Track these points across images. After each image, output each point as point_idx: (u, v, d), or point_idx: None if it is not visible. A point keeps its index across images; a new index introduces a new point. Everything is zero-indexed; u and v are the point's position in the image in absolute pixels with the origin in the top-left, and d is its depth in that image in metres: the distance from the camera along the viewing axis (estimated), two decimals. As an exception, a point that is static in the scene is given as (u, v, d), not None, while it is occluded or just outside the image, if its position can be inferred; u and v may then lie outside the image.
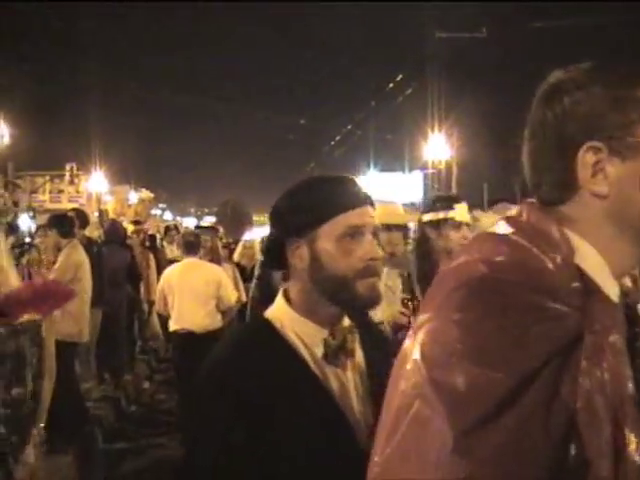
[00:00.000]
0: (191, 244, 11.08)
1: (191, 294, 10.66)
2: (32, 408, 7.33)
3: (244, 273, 13.77)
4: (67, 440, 9.24)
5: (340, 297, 2.56)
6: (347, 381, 2.62)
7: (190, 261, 10.93)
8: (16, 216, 10.55)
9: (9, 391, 6.91)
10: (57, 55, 40.67)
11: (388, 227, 5.92)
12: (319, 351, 2.58)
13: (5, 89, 32.46)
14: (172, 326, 10.74)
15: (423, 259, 5.13)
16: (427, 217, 5.17)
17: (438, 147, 36.33)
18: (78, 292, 9.83)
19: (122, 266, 12.95)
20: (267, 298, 10.33)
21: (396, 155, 49.36)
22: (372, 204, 2.74)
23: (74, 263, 9.95)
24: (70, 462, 8.83)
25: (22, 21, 37.32)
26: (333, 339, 2.58)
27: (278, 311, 2.70)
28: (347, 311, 2.66)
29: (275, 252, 2.69)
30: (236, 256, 14.79)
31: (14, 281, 7.22)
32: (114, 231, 13.66)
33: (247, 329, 2.84)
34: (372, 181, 50.74)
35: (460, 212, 5.48)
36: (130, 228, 15.85)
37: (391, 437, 1.61)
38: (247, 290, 12.47)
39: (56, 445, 8.90)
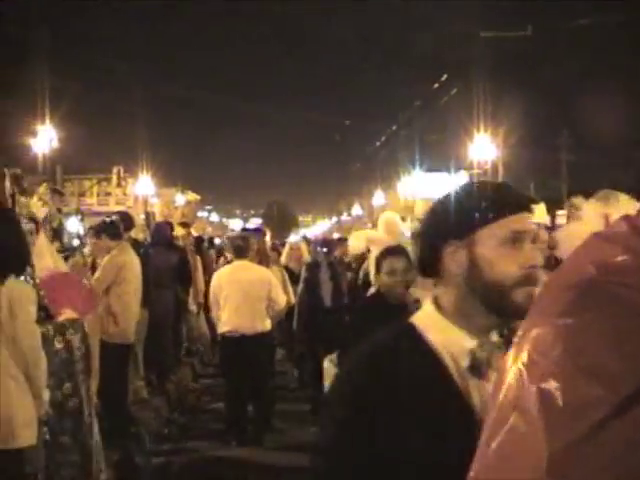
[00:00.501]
0: (240, 248, 11.16)
1: (242, 296, 10.72)
2: (77, 404, 7.44)
3: (292, 275, 13.72)
4: (113, 441, 9.34)
5: (495, 305, 2.47)
6: (488, 396, 2.51)
7: (240, 263, 11.00)
8: (61, 223, 10.60)
9: (60, 387, 7.03)
10: (104, 59, 40.96)
11: None
12: (464, 361, 2.47)
13: (54, 93, 32.73)
14: (221, 328, 10.80)
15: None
16: None
17: (483, 147, 36.11)
18: (121, 293, 9.94)
19: (168, 268, 13.00)
20: (315, 301, 10.39)
21: (441, 155, 49.13)
22: (532, 211, 2.62)
23: (117, 264, 10.03)
24: (116, 463, 8.90)
25: (70, 26, 37.67)
26: (481, 350, 2.47)
27: (425, 317, 2.59)
28: (500, 323, 2.53)
29: (429, 257, 2.58)
30: (283, 258, 14.83)
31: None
32: (161, 233, 13.71)
33: (390, 332, 2.77)
34: (417, 182, 50.64)
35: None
36: (179, 231, 15.92)
37: (483, 453, 1.53)
38: (295, 293, 12.56)
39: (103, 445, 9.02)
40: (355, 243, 8.75)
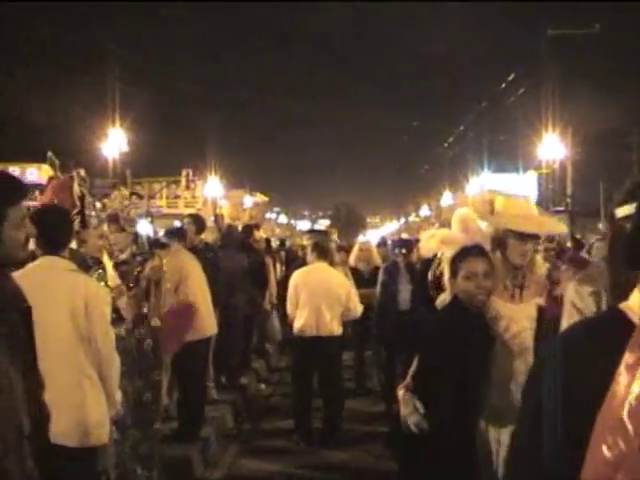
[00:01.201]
0: (324, 250, 11.30)
1: (322, 297, 10.81)
2: (152, 398, 7.58)
3: (361, 277, 13.32)
4: (185, 438, 9.46)
5: None
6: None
7: (320, 265, 11.08)
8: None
9: (133, 382, 7.18)
10: (173, 63, 41.36)
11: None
12: None
13: (124, 98, 33.13)
14: (298, 327, 10.86)
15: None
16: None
17: (552, 146, 35.79)
18: (188, 292, 10.05)
19: (239, 270, 13.08)
20: (393, 306, 10.05)
21: (510, 156, 48.82)
22: None
23: (175, 266, 10.13)
24: (188, 460, 9.01)
25: (139, 32, 38.08)
26: None
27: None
28: None
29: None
30: (352, 259, 14.27)
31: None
32: (231, 236, 13.83)
33: (599, 319, 2.56)
34: (486, 182, 50.31)
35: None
36: (257, 234, 16.01)
37: (597, 458, 1.48)
38: (365, 296, 12.10)
39: (174, 442, 9.14)
40: (427, 244, 8.17)
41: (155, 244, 9.82)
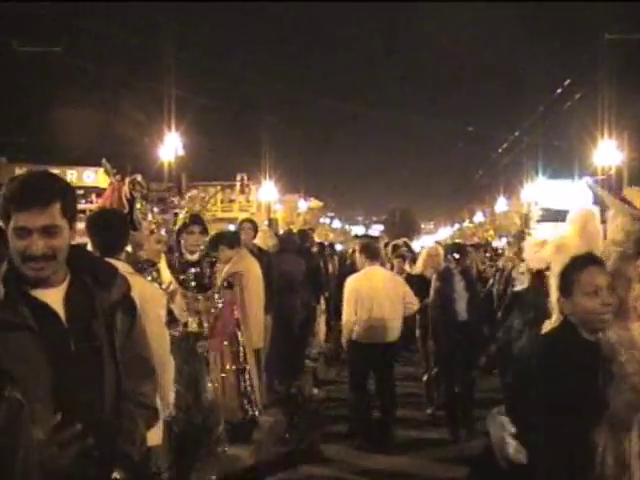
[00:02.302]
0: (375, 252, 11.30)
1: (381, 302, 10.86)
2: (208, 411, 7.64)
3: (428, 285, 12.16)
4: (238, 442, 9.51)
5: None
6: None
7: (373, 268, 11.09)
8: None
9: (189, 388, 7.25)
10: (228, 68, 41.58)
11: None
12: None
13: (180, 103, 33.39)
14: (356, 333, 10.85)
15: None
16: None
17: (608, 153, 35.49)
18: (245, 300, 10.11)
19: (298, 274, 13.09)
20: (449, 316, 9.58)
21: (565, 162, 48.43)
22: None
23: (237, 271, 10.18)
24: (244, 465, 9.07)
25: (197, 37, 38.35)
26: None
27: None
28: None
29: None
30: (419, 265, 13.31)
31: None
32: (289, 240, 13.87)
33: None
34: (541, 188, 49.97)
35: None
36: (313, 238, 16.07)
37: None
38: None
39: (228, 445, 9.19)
40: (535, 253, 6.74)
41: (215, 247, 9.92)
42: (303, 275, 13.26)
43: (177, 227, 8.48)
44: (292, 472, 9.77)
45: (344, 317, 11.17)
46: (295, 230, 17.56)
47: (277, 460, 10.08)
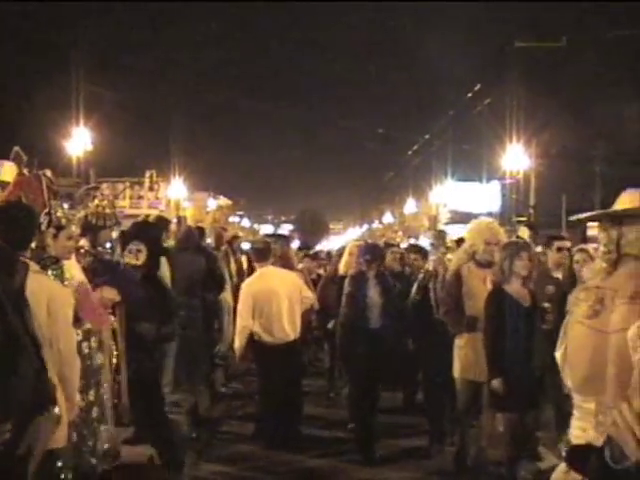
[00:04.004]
0: (261, 252, 11.18)
1: (276, 302, 10.77)
2: (99, 414, 7.50)
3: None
4: (145, 443, 9.38)
5: None
6: None
7: (266, 269, 11.01)
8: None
9: (86, 392, 7.10)
10: (138, 64, 41.19)
11: None
12: None
13: (89, 97, 33.00)
14: (258, 334, 10.77)
15: None
16: None
17: (516, 157, 36.03)
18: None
19: (197, 272, 12.82)
20: (360, 322, 9.17)
21: (474, 165, 49.10)
22: None
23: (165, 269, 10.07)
24: (147, 465, 8.95)
25: (106, 31, 37.95)
26: None
27: None
28: None
29: None
30: (342, 267, 12.25)
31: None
32: (188, 237, 13.45)
33: None
34: (450, 191, 50.58)
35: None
36: (223, 237, 15.93)
37: None
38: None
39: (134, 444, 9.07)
40: None
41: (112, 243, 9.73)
42: (202, 273, 12.95)
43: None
44: (198, 471, 9.71)
45: (239, 323, 10.96)
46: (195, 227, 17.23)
47: (185, 460, 9.98)
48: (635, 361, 3.66)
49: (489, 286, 8.76)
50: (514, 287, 8.24)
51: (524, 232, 13.13)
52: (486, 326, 8.33)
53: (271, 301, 10.73)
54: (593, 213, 4.53)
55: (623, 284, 4.08)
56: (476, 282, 9.06)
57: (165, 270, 10.25)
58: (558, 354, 4.52)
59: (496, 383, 8.18)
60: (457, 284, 9.17)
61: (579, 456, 4.01)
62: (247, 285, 11.12)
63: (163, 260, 10.23)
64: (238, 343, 10.90)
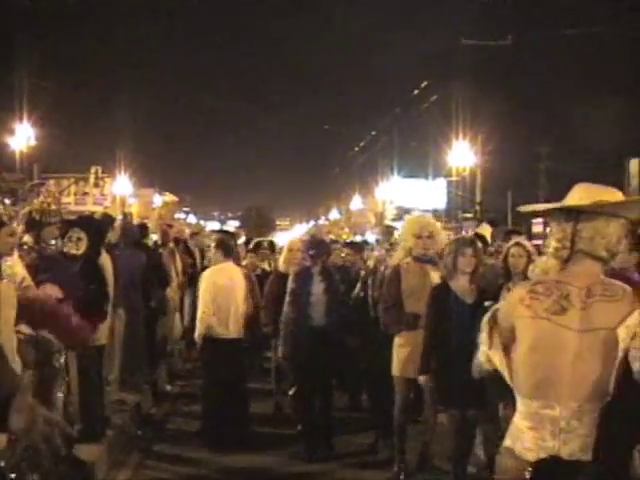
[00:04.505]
0: (230, 248, 11.19)
1: (229, 299, 10.74)
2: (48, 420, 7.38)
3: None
4: (89, 441, 9.28)
5: None
6: None
7: (226, 265, 11.01)
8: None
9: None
10: (85, 60, 40.87)
11: None
12: None
13: (33, 92, 32.67)
14: (208, 330, 10.71)
15: None
16: None
17: (462, 154, 36.25)
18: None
19: (137, 268, 12.66)
20: (303, 320, 9.04)
21: (420, 162, 49.33)
22: None
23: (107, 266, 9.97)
24: (91, 464, 8.85)
25: (52, 26, 37.57)
26: None
27: None
28: None
29: None
30: (281, 263, 12.22)
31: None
32: (128, 233, 13.23)
33: None
34: (396, 187, 50.72)
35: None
36: (169, 233, 15.85)
37: None
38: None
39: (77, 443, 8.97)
40: None
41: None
42: (142, 270, 12.78)
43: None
44: (143, 470, 9.62)
45: (200, 310, 10.92)
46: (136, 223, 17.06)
47: (128, 460, 9.90)
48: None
49: (432, 281, 8.77)
50: (460, 283, 8.24)
51: (485, 229, 13.11)
52: (427, 322, 8.33)
53: (229, 296, 10.77)
54: (549, 206, 4.20)
55: (586, 281, 3.88)
56: (416, 278, 9.04)
57: (108, 266, 10.11)
58: (492, 356, 4.13)
59: (422, 379, 8.27)
60: (396, 281, 9.14)
61: (549, 472, 3.80)
62: (208, 277, 11.11)
63: (106, 256, 10.11)
64: (199, 332, 10.85)
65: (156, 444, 10.75)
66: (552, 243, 4.02)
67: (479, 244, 8.73)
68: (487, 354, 4.16)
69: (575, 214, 3.93)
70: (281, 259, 12.27)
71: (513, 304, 4.00)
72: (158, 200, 59.70)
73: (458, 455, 8.33)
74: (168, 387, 14.23)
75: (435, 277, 8.87)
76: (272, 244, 17.48)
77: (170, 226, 17.10)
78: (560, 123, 39.41)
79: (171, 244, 15.75)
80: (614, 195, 3.97)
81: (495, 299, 7.32)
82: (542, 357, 3.84)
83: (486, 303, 7.28)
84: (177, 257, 15.69)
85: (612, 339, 3.72)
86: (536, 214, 4.79)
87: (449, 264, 8.28)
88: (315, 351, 10.18)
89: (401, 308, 9.03)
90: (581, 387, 3.72)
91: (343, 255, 13.19)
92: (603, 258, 3.93)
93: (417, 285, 8.97)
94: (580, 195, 4.00)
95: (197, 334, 10.94)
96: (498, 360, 4.09)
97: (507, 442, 3.97)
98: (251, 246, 16.75)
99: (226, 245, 11.29)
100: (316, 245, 10.98)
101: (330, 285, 10.40)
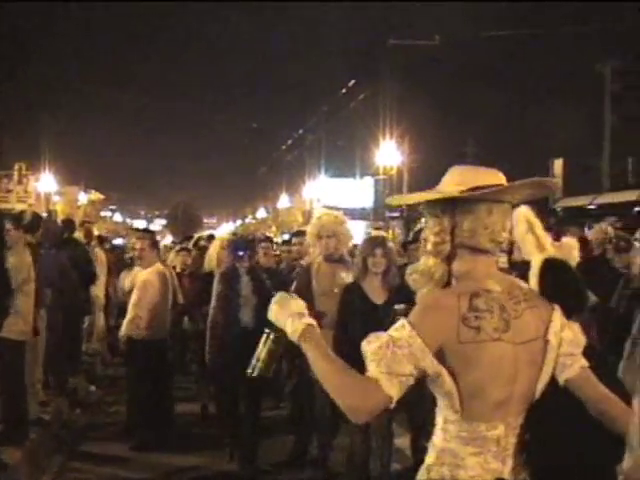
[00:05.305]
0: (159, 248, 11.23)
1: (157, 299, 10.69)
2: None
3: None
4: (11, 443, 9.16)
5: None
6: None
7: (157, 265, 10.98)
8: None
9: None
10: (10, 52, 40.32)
11: None
12: None
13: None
14: (138, 330, 10.61)
15: None
16: None
17: (389, 153, 36.43)
18: (29, 292, 9.77)
19: (58, 267, 12.46)
20: (232, 322, 8.96)
21: (347, 161, 49.50)
22: None
23: (27, 263, 9.84)
24: (14, 467, 8.73)
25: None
26: None
27: None
28: None
29: None
30: (207, 263, 11.49)
31: None
32: (49, 232, 13.02)
33: None
34: (323, 186, 50.84)
35: None
36: (81, 230, 15.64)
37: None
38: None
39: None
40: None
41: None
42: (62, 268, 12.56)
43: None
44: (67, 472, 9.47)
45: (132, 311, 10.69)
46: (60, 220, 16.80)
47: (52, 462, 9.77)
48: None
49: (343, 281, 8.76)
50: (372, 283, 8.21)
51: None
52: (337, 322, 8.29)
53: (162, 295, 10.71)
54: (420, 197, 3.72)
55: (502, 283, 3.47)
56: (325, 278, 9.03)
57: (24, 264, 9.95)
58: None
59: None
60: (306, 280, 9.14)
61: None
62: (138, 276, 10.97)
63: (27, 254, 9.98)
64: (126, 332, 10.71)
65: (80, 445, 10.63)
66: (430, 238, 3.56)
67: (390, 244, 8.67)
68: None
69: (452, 203, 3.51)
70: (206, 258, 11.58)
71: (450, 327, 3.33)
72: (83, 198, 59.23)
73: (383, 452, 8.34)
74: (92, 388, 14.06)
75: (347, 277, 8.84)
76: (212, 238, 16.75)
77: (91, 222, 16.96)
78: (485, 122, 39.86)
79: (94, 242, 15.61)
80: (494, 177, 3.59)
81: (410, 300, 7.27)
82: (499, 381, 3.38)
83: (396, 306, 7.21)
84: (102, 255, 15.55)
85: (543, 348, 3.44)
86: (408, 206, 4.44)
87: (359, 264, 8.25)
88: (243, 353, 9.89)
89: (312, 308, 8.93)
90: (520, 403, 3.43)
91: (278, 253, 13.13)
92: (489, 250, 3.51)
93: (327, 285, 8.96)
94: (455, 180, 3.63)
95: (122, 334, 10.84)
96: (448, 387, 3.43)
97: (444, 473, 3.43)
98: (191, 243, 16.41)
99: (157, 245, 11.29)
100: (243, 244, 10.47)
101: (258, 285, 9.90)
